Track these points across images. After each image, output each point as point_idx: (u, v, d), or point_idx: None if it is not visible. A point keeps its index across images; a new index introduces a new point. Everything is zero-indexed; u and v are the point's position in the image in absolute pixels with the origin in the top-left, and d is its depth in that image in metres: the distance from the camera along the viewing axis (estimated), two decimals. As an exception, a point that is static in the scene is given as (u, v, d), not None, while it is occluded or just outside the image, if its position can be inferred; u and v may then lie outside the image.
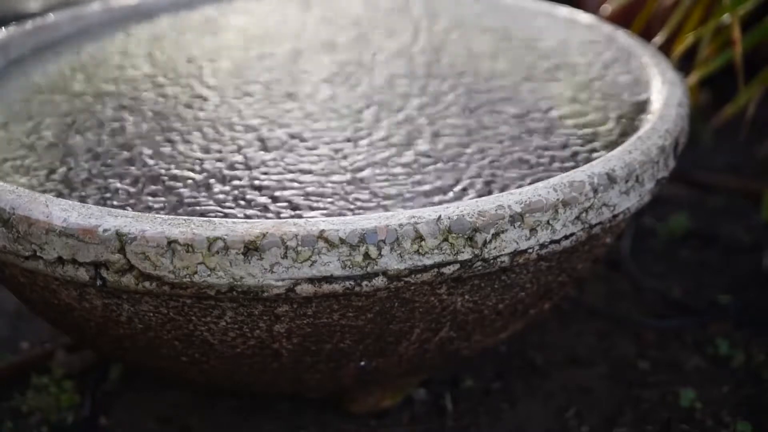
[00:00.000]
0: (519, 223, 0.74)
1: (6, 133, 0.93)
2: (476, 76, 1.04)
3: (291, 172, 0.85)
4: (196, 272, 0.71)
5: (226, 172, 0.85)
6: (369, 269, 0.71)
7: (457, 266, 0.73)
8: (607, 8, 1.34)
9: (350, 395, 0.95)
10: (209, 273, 0.71)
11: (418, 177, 0.85)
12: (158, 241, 0.70)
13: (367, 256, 0.71)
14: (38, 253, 0.74)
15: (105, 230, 0.71)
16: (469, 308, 0.80)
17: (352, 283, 0.72)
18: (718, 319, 1.11)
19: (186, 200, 0.81)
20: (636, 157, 0.81)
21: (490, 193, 0.82)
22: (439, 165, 0.87)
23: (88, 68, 1.08)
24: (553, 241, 0.76)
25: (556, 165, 0.86)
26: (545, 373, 1.03)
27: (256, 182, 0.84)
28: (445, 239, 0.72)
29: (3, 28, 1.13)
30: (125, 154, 0.89)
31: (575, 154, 0.88)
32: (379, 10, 1.24)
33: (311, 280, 0.71)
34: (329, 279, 0.71)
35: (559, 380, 1.02)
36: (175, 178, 0.85)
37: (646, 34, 1.22)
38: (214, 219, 0.72)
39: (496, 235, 0.73)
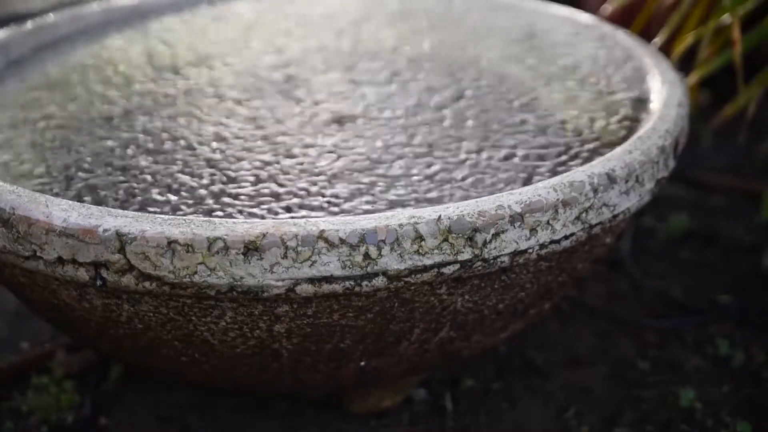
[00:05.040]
0: (519, 223, 0.74)
1: (10, 131, 0.94)
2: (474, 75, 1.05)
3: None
4: (196, 272, 0.71)
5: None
6: (369, 269, 0.71)
7: (457, 266, 0.73)
8: (607, 8, 1.34)
9: (350, 395, 0.95)
10: (209, 273, 0.70)
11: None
12: (158, 241, 0.70)
13: (367, 256, 0.71)
14: (38, 254, 0.74)
15: (105, 230, 0.71)
16: (469, 308, 0.80)
17: (352, 283, 0.72)
18: (718, 319, 1.11)
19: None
20: (636, 157, 0.81)
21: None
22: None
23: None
24: (553, 241, 0.76)
25: (555, 164, 0.86)
26: (545, 373, 1.03)
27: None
28: (445, 239, 0.72)
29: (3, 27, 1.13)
30: None
31: (574, 153, 0.88)
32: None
33: (311, 281, 0.71)
34: (329, 279, 0.71)
35: (559, 380, 1.02)
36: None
37: (646, 34, 1.22)
38: (214, 219, 0.72)
39: (496, 235, 0.73)
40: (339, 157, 0.88)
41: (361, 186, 0.83)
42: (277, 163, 0.88)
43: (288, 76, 1.05)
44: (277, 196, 0.82)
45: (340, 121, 0.95)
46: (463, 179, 0.84)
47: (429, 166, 0.87)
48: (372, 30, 1.18)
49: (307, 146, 0.90)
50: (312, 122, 0.95)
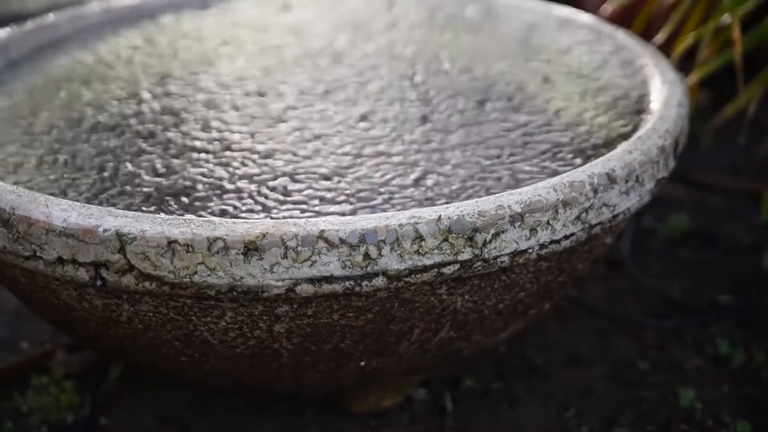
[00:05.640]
0: (519, 223, 0.74)
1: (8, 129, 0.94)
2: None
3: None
4: (196, 272, 0.71)
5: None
6: (369, 269, 0.71)
7: (457, 266, 0.73)
8: (607, 8, 1.34)
9: (350, 395, 0.95)
10: (209, 273, 0.71)
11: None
12: (158, 241, 0.70)
13: (367, 256, 0.71)
14: (38, 254, 0.74)
15: (105, 230, 0.71)
16: (469, 308, 0.80)
17: (352, 283, 0.72)
18: (718, 319, 1.11)
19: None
20: (636, 157, 0.81)
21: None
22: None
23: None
24: (553, 242, 0.76)
25: (556, 164, 0.86)
26: (545, 373, 1.03)
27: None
28: (445, 239, 0.72)
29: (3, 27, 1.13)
30: None
31: (574, 153, 0.88)
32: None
33: (311, 281, 0.71)
34: (329, 279, 0.71)
35: (559, 380, 1.02)
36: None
37: (646, 34, 1.22)
38: (214, 219, 0.72)
39: (496, 235, 0.73)
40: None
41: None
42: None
43: None
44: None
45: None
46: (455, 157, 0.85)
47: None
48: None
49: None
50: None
